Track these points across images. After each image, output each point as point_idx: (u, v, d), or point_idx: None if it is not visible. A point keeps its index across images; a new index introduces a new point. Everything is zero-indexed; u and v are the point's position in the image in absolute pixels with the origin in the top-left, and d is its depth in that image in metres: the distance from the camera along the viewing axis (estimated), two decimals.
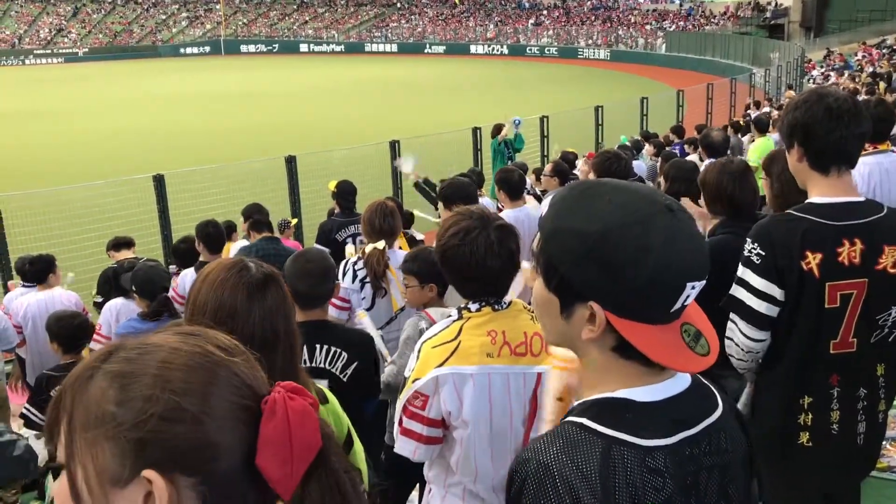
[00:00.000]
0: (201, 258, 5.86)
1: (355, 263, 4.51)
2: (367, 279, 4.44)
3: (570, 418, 1.32)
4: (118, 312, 5.17)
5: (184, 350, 0.97)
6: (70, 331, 4.77)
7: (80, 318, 4.92)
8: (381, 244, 4.39)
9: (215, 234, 5.85)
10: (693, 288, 1.26)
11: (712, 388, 1.41)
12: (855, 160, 2.58)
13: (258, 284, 1.98)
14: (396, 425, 2.48)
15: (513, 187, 5.86)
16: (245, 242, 6.76)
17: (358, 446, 2.24)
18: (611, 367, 1.32)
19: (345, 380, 3.06)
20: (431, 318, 3.33)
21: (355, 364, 3.09)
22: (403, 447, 2.47)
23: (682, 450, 1.28)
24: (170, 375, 0.94)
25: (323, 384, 2.55)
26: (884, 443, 3.97)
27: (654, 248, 1.22)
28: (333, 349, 3.08)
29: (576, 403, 1.36)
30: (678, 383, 1.33)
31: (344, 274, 4.53)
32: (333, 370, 3.06)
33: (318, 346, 3.06)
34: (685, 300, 1.27)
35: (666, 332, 1.28)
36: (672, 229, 1.25)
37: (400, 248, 4.81)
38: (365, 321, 3.99)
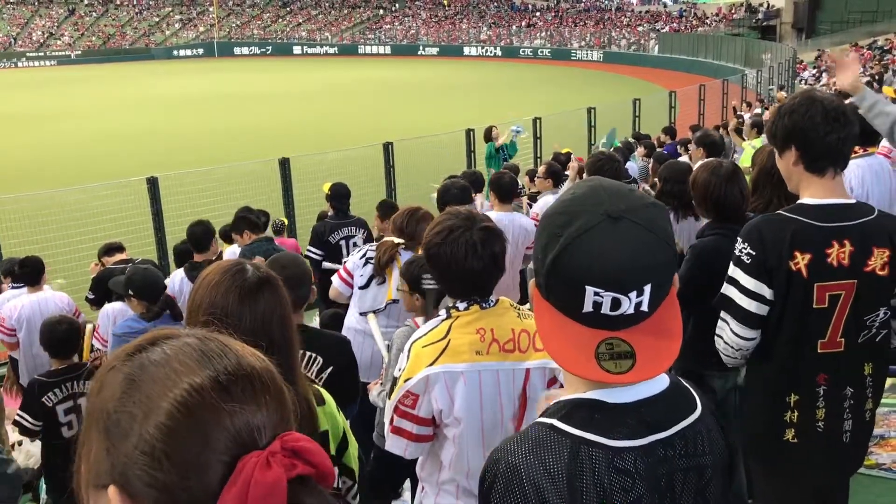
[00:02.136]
0: (194, 259, 5.98)
1: (371, 246, 4.68)
2: (373, 260, 4.55)
3: (540, 419, 1.34)
4: (115, 317, 5.18)
5: (193, 390, 0.89)
6: (57, 337, 4.77)
7: (67, 323, 4.90)
8: (398, 240, 4.49)
9: (200, 233, 5.99)
10: (599, 295, 1.25)
11: (692, 391, 1.42)
12: (847, 161, 2.63)
13: (251, 288, 1.99)
14: (387, 424, 2.50)
15: (503, 189, 5.92)
16: (237, 248, 6.77)
17: (352, 447, 2.27)
18: None
19: (320, 384, 3.06)
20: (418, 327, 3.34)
21: (331, 368, 3.08)
22: (394, 445, 2.50)
23: (654, 451, 1.30)
24: (167, 418, 0.88)
25: None
26: (872, 440, 4.02)
27: (563, 238, 1.26)
28: (309, 353, 3.05)
29: (550, 405, 1.38)
30: (653, 385, 1.34)
31: (358, 251, 4.74)
32: (309, 374, 3.03)
33: None
34: (599, 308, 1.26)
35: (581, 332, 1.29)
36: (593, 232, 1.25)
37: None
38: (372, 324, 4.01)
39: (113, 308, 5.25)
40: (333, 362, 3.10)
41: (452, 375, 2.39)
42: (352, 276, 4.66)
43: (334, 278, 4.77)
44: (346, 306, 4.88)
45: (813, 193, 2.58)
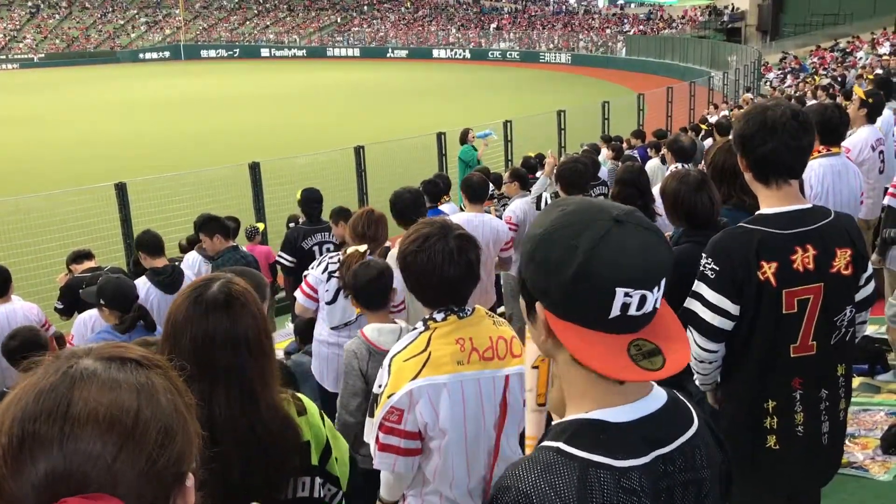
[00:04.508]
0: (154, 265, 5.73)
1: (332, 257, 4.62)
2: (336, 273, 4.50)
3: (546, 443, 1.34)
4: (93, 324, 5.08)
5: None
6: (14, 349, 4.70)
7: (23, 336, 4.82)
8: (363, 247, 4.43)
9: (149, 239, 5.76)
10: (629, 296, 1.27)
11: (688, 405, 1.44)
12: (797, 171, 2.65)
13: (207, 306, 1.91)
14: (373, 442, 2.48)
15: (473, 189, 6.00)
16: (196, 255, 6.67)
17: (337, 452, 2.23)
18: (579, 380, 1.35)
19: None
20: (366, 339, 3.35)
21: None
22: (383, 462, 2.48)
23: (655, 467, 1.31)
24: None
25: None
26: (844, 439, 4.09)
27: (581, 248, 1.27)
28: None
29: (553, 424, 1.38)
30: (653, 402, 1.36)
31: (318, 264, 4.63)
32: None
33: None
34: (627, 309, 1.27)
35: (608, 340, 1.30)
36: (610, 236, 1.27)
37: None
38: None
39: (91, 315, 5.12)
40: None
41: (436, 388, 2.39)
42: (315, 291, 4.60)
43: (297, 293, 4.70)
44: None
45: (769, 203, 2.62)
